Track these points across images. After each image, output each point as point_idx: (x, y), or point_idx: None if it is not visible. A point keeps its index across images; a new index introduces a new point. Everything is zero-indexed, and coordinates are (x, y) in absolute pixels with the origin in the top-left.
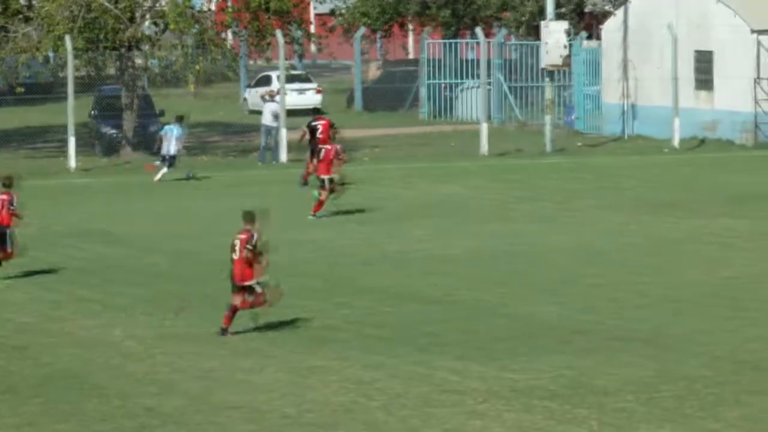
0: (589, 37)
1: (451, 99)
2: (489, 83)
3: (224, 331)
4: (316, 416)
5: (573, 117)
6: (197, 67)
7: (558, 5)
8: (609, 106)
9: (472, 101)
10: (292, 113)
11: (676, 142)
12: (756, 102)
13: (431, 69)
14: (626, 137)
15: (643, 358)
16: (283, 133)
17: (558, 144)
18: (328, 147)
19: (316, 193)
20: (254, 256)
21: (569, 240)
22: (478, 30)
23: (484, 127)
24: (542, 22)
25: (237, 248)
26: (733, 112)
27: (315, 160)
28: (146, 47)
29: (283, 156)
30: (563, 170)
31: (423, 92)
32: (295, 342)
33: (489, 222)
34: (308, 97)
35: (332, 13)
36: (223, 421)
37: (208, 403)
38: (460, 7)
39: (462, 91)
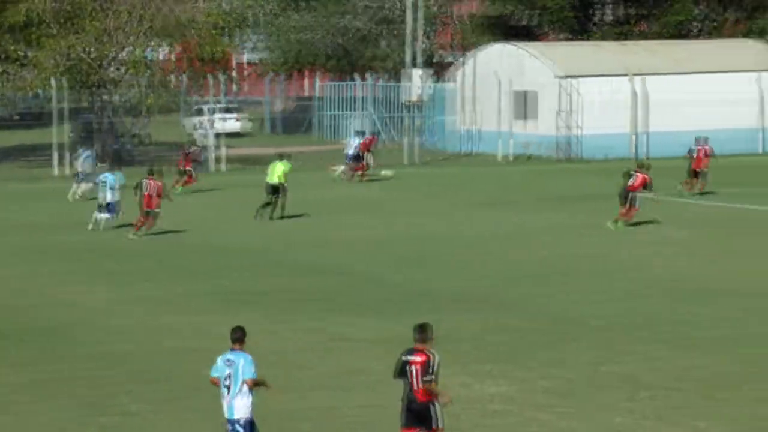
0: (437, 80)
1: (337, 126)
2: (365, 114)
3: None
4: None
5: (426, 139)
6: (149, 101)
7: (415, 57)
8: (454, 131)
9: (354, 127)
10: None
11: (500, 158)
12: (559, 128)
13: (322, 103)
14: (472, 154)
15: (477, 315)
16: (214, 151)
17: (418, 159)
18: None
19: None
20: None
21: (437, 229)
22: (357, 75)
23: None
24: (403, 70)
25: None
26: (546, 135)
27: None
28: (111, 87)
29: (212, 167)
30: (424, 177)
31: (315, 120)
32: (234, 303)
33: (372, 214)
34: (232, 123)
35: (250, 63)
36: (171, 359)
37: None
38: (345, 58)
39: (345, 119)
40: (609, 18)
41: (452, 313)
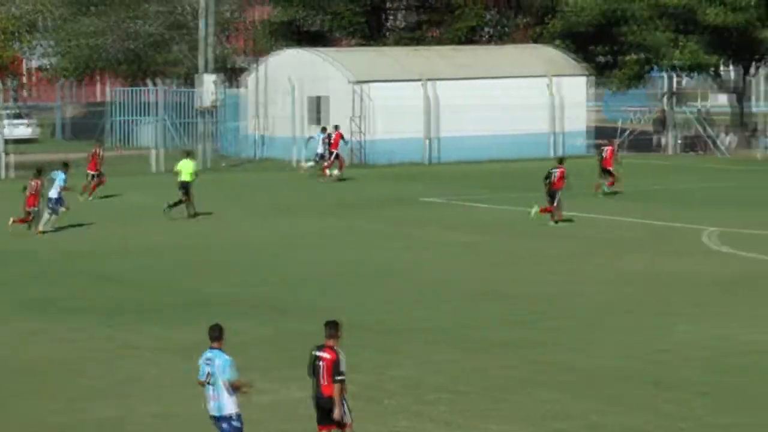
0: (231, 86)
1: (130, 131)
2: (158, 120)
3: None
4: (35, 366)
5: (219, 144)
6: None
7: (207, 62)
8: (247, 137)
9: (147, 133)
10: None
11: (294, 163)
12: (352, 134)
13: (116, 109)
14: (259, 159)
15: (269, 320)
16: (3, 157)
17: (210, 164)
18: None
19: None
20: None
21: (230, 235)
22: (150, 81)
23: (153, 153)
24: (197, 75)
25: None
26: None
27: None
28: None
29: (2, 174)
30: (217, 183)
31: (108, 126)
32: (22, 312)
33: (163, 223)
34: (22, 129)
35: (40, 68)
36: None
37: None
38: (137, 64)
39: (138, 125)
40: (401, 24)
41: (245, 319)
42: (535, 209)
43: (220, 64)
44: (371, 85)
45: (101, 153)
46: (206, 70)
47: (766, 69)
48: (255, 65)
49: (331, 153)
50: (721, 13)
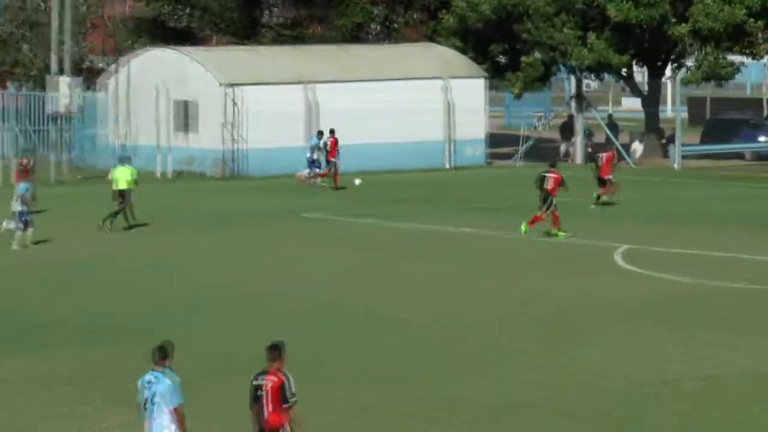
0: (88, 89)
1: None
2: (8, 127)
3: None
4: None
5: (73, 155)
6: None
7: (61, 62)
8: (105, 146)
9: None
10: None
11: (159, 174)
12: (224, 142)
13: None
14: None
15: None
16: None
17: (61, 177)
18: None
19: None
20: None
21: (87, 254)
22: None
23: (1, 164)
24: (48, 77)
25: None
26: (207, 149)
27: None
28: None
29: None
30: (72, 197)
31: None
32: None
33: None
34: None
35: None
36: None
37: None
38: None
39: None
40: (279, 20)
41: (103, 346)
42: (524, 227)
43: (76, 65)
44: (245, 88)
45: (31, 163)
46: (60, 72)
47: (679, 70)
48: (115, 66)
49: (328, 162)
50: (629, 8)
